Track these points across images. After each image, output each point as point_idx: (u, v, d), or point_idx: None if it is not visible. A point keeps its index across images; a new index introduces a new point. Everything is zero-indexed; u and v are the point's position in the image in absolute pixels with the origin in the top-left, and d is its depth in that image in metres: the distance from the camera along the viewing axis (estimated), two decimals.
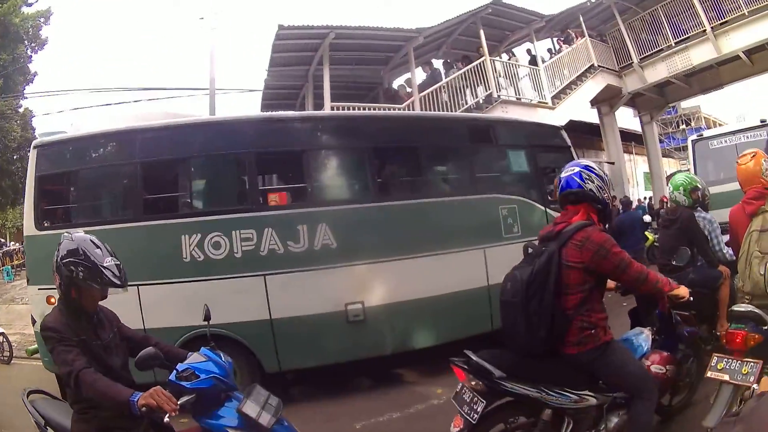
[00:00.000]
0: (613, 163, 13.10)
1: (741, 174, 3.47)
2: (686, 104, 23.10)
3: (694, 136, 10.08)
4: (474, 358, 2.49)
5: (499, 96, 10.81)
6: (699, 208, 4.42)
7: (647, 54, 13.54)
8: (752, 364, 2.68)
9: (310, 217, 5.09)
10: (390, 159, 6.19)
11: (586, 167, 2.64)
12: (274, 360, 4.88)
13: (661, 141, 20.53)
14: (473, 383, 2.50)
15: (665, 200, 11.85)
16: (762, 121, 9.02)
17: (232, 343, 4.62)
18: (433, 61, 12.38)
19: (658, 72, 13.42)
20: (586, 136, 14.61)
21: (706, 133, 10.19)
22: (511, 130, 7.01)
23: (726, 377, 2.72)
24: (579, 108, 12.86)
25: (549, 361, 2.52)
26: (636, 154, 17.07)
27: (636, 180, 16.97)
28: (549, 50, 13.00)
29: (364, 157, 5.69)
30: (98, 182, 5.28)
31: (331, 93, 11.78)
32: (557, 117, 11.71)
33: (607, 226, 2.69)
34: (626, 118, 16.20)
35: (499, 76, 11.35)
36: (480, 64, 11.10)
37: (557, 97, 11.96)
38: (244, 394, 2.37)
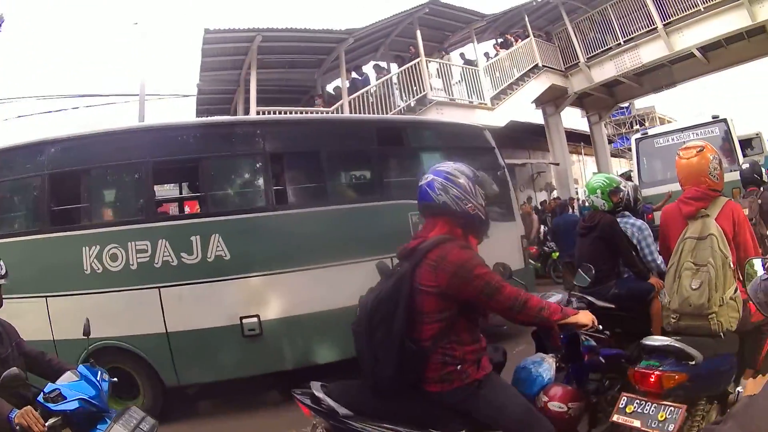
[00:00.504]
0: (557, 164, 12.80)
1: (682, 170, 2.84)
2: (640, 104, 23.00)
3: (638, 135, 9.70)
4: (317, 393, 2.08)
5: (432, 98, 10.40)
6: (626, 213, 4.02)
7: (595, 53, 13.28)
8: (672, 409, 2.19)
9: (203, 228, 4.88)
10: (289, 165, 5.74)
11: (443, 174, 2.19)
12: (172, 374, 4.69)
13: (614, 142, 20.38)
14: (318, 421, 2.10)
15: (573, 203, 11.47)
16: (714, 117, 8.61)
17: (133, 355, 4.54)
18: (374, 62, 12.01)
19: (605, 71, 13.14)
20: (532, 137, 14.28)
21: (651, 131, 9.77)
22: (426, 132, 6.62)
23: (636, 423, 2.22)
24: (522, 109, 12.55)
25: (411, 398, 2.08)
26: (586, 154, 16.84)
27: (585, 180, 16.72)
28: (486, 54, 12.63)
29: (260, 164, 5.40)
30: (3, 196, 5.15)
31: (265, 97, 11.52)
32: (496, 118, 11.40)
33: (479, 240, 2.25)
34: (576, 119, 15.99)
35: (434, 77, 10.98)
36: (415, 65, 10.72)
37: (498, 98, 11.61)
38: (114, 417, 2.31)
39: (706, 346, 2.37)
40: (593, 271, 3.31)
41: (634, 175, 9.19)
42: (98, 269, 4.61)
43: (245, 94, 11.38)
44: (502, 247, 6.23)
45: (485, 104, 11.23)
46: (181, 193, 6.90)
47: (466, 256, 2.01)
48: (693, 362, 2.31)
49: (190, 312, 4.75)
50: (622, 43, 12.86)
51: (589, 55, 13.29)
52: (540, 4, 13.35)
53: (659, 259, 3.68)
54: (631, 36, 12.80)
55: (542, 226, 11.41)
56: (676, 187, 7.20)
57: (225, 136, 5.55)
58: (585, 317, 2.20)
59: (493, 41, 13.01)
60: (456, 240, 2.07)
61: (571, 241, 8.84)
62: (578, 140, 16.92)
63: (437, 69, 11.44)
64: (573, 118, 15.94)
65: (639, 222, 4.00)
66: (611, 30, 13.08)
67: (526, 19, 13.12)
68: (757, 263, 1.74)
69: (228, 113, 12.32)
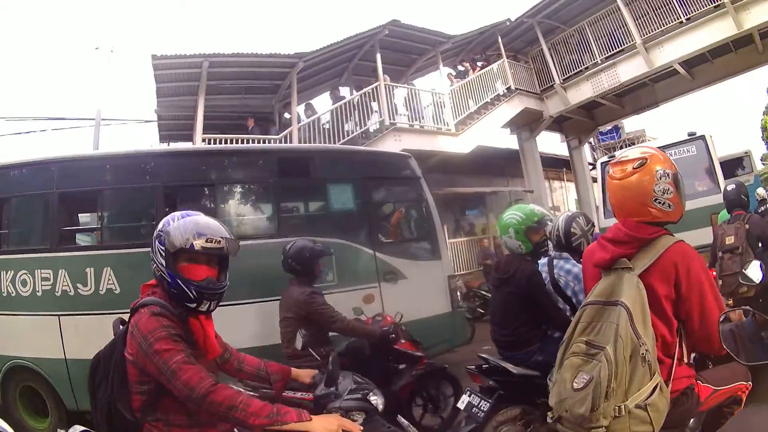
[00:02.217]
0: (531, 192, 12.10)
1: (614, 194, 1.94)
2: (630, 128, 22.25)
3: (604, 158, 9.00)
4: None
5: (385, 123, 9.87)
6: (564, 255, 3.12)
7: (572, 74, 12.67)
8: None
9: (96, 260, 4.94)
10: (182, 198, 5.48)
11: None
12: (71, 399, 4.75)
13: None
14: None
15: (485, 245, 10.53)
16: (690, 135, 7.86)
17: (41, 377, 4.72)
18: (334, 89, 11.57)
19: (582, 92, 12.49)
20: (511, 163, 13.59)
21: (619, 154, 9.07)
22: (337, 161, 6.08)
23: None
24: (491, 134, 11.94)
25: None
26: (568, 180, 16.09)
27: (567, 207, 15.96)
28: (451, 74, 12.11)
29: (152, 197, 5.26)
30: None
31: (222, 123, 11.31)
32: (461, 144, 10.84)
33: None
34: (557, 143, 15.32)
35: (400, 103, 10.49)
36: (373, 90, 10.25)
37: (463, 123, 11.04)
38: None
39: None
40: (305, 337, 2.95)
41: (600, 204, 8.48)
42: (12, 293, 4.85)
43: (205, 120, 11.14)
44: (425, 289, 5.76)
45: (449, 130, 10.65)
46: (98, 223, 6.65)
47: (150, 326, 1.72)
48: None
49: (86, 341, 4.48)
50: (600, 62, 12.24)
51: (566, 77, 12.67)
52: (514, 25, 12.87)
53: None
54: (609, 54, 12.18)
55: None
56: None
57: (119, 168, 5.37)
58: (323, 427, 1.67)
59: (450, 69, 12.38)
60: (152, 305, 1.78)
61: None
62: (562, 166, 16.22)
63: (400, 92, 10.96)
64: (556, 144, 15.32)
65: (577, 268, 3.00)
66: (588, 49, 12.49)
67: (500, 40, 12.64)
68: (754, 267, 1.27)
69: (190, 139, 12.03)
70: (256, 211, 5.77)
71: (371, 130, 10.03)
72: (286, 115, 11.16)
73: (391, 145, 9.76)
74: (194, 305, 1.83)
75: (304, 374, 2.38)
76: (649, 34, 11.62)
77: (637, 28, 11.65)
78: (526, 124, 13.03)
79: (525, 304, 2.96)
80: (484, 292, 9.83)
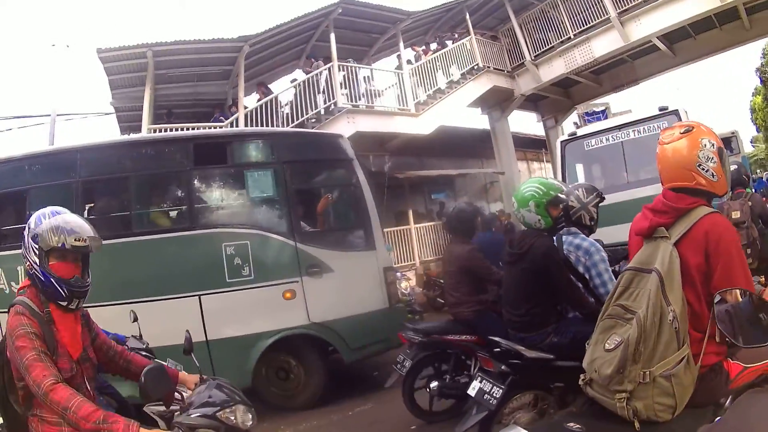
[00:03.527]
0: (503, 174, 11.60)
1: (661, 160, 1.95)
2: (617, 109, 21.47)
3: (564, 136, 8.36)
4: None
5: (342, 106, 9.47)
6: (573, 230, 3.03)
7: (544, 50, 12.10)
8: None
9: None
10: (98, 193, 5.35)
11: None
12: None
13: None
14: None
15: (502, 220, 10.13)
16: (661, 109, 6.97)
17: None
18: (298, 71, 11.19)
19: (554, 69, 11.94)
20: (485, 144, 13.06)
21: (581, 131, 8.17)
22: (260, 145, 5.66)
23: None
24: (455, 113, 11.45)
25: None
26: (547, 161, 15.50)
27: None
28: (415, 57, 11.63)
29: (70, 192, 4.99)
30: None
31: (177, 112, 11.03)
32: (422, 125, 10.39)
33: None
34: (535, 123, 14.74)
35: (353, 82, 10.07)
36: (328, 70, 9.84)
37: (425, 104, 10.59)
38: None
39: None
40: None
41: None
42: None
43: (155, 110, 10.90)
44: (355, 283, 5.28)
45: (407, 110, 10.20)
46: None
47: (13, 324, 1.80)
48: None
49: None
50: (572, 37, 11.65)
51: (538, 53, 12.11)
52: (484, 1, 12.33)
53: None
54: (583, 29, 11.58)
55: None
56: (613, 198, 5.61)
57: (38, 168, 5.15)
58: None
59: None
60: (17, 304, 1.85)
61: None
62: (541, 147, 15.64)
63: (365, 76, 10.54)
64: (533, 123, 14.75)
65: (587, 242, 2.95)
66: (561, 24, 11.88)
67: (468, 17, 12.12)
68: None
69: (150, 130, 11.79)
70: (171, 203, 5.51)
71: (322, 112, 9.61)
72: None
73: (344, 127, 9.37)
74: (65, 303, 1.88)
75: (190, 380, 2.27)
76: (625, 8, 10.98)
77: (611, 2, 11.01)
78: (498, 103, 12.53)
79: (540, 282, 2.79)
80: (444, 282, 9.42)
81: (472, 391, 2.82)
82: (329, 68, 9.80)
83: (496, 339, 2.86)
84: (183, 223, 5.22)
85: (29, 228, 1.88)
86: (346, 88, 9.74)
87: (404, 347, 4.28)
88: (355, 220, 5.62)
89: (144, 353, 2.95)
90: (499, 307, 3.56)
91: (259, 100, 9.74)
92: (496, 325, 3.49)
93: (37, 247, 1.85)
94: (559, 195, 2.93)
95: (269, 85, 10.85)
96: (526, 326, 2.84)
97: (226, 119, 9.82)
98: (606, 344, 1.77)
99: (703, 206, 1.84)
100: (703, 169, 1.82)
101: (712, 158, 1.84)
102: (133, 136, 8.76)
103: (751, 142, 28.93)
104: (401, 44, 11.00)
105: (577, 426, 1.70)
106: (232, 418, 2.22)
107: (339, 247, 5.35)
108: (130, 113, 11.74)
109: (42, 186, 5.04)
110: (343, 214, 5.93)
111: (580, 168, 8.36)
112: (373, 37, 11.63)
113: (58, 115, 11.94)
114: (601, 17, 11.31)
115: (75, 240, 1.86)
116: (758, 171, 23.82)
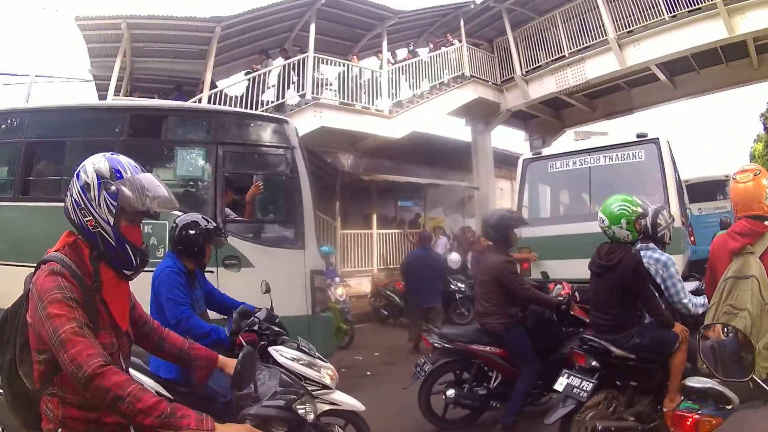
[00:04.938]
0: (477, 189, 11.18)
1: (737, 195, 2.74)
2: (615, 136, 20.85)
3: (528, 155, 7.89)
4: None
5: (307, 97, 9.18)
6: (651, 246, 3.51)
7: (535, 66, 11.68)
8: None
9: None
10: (28, 155, 5.05)
11: (79, 168, 1.61)
12: None
13: None
14: None
15: (469, 235, 9.72)
16: (639, 136, 6.47)
17: None
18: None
19: (545, 87, 11.48)
20: (466, 156, 12.64)
21: (546, 151, 7.74)
22: (198, 122, 5.31)
23: None
24: (433, 121, 11.08)
25: None
26: None
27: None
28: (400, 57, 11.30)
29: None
30: None
31: (150, 86, 10.94)
32: (394, 128, 10.05)
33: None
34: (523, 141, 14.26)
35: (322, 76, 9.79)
36: (301, 61, 9.58)
37: (401, 106, 10.26)
38: None
39: (741, 390, 2.21)
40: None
41: (515, 208, 7.37)
42: None
43: (132, 82, 10.77)
44: (276, 283, 4.79)
45: (380, 111, 9.87)
46: None
47: (46, 285, 1.45)
48: (730, 407, 2.19)
49: None
50: (567, 55, 11.19)
51: (530, 68, 11.68)
52: (479, 10, 11.97)
53: (689, 300, 3.40)
54: (578, 48, 11.12)
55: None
56: (572, 229, 6.09)
57: None
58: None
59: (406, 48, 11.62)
60: (53, 261, 1.50)
61: (432, 288, 7.21)
62: None
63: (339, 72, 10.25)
64: (521, 142, 14.28)
65: (664, 257, 3.45)
66: (557, 42, 11.44)
67: (462, 24, 11.77)
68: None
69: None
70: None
71: (290, 103, 9.33)
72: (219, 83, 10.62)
73: (310, 120, 9.12)
74: (131, 273, 1.61)
75: (231, 364, 1.92)
76: (628, 29, 10.46)
77: (611, 22, 10.51)
78: (483, 116, 12.12)
79: (626, 291, 3.18)
80: (390, 293, 9.04)
81: (559, 387, 3.12)
82: (303, 59, 9.54)
83: (588, 336, 3.23)
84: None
85: (103, 177, 1.54)
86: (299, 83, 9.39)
87: (427, 350, 4.51)
88: (287, 214, 5.18)
89: (276, 328, 2.92)
90: (528, 322, 3.96)
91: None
92: (523, 341, 3.85)
93: (114, 204, 1.52)
94: (641, 210, 3.30)
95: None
96: (612, 329, 3.18)
97: (184, 101, 9.63)
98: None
99: None
100: (766, 201, 2.61)
101: None
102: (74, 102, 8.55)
103: None
104: (384, 42, 10.65)
105: None
106: (302, 409, 2.30)
107: (263, 242, 4.93)
108: (107, 82, 11.70)
109: None
110: (274, 206, 5.51)
111: (542, 190, 7.94)
112: (359, 33, 11.36)
113: (38, 76, 11.85)
114: (599, 38, 10.85)
115: (158, 206, 1.59)
116: None
